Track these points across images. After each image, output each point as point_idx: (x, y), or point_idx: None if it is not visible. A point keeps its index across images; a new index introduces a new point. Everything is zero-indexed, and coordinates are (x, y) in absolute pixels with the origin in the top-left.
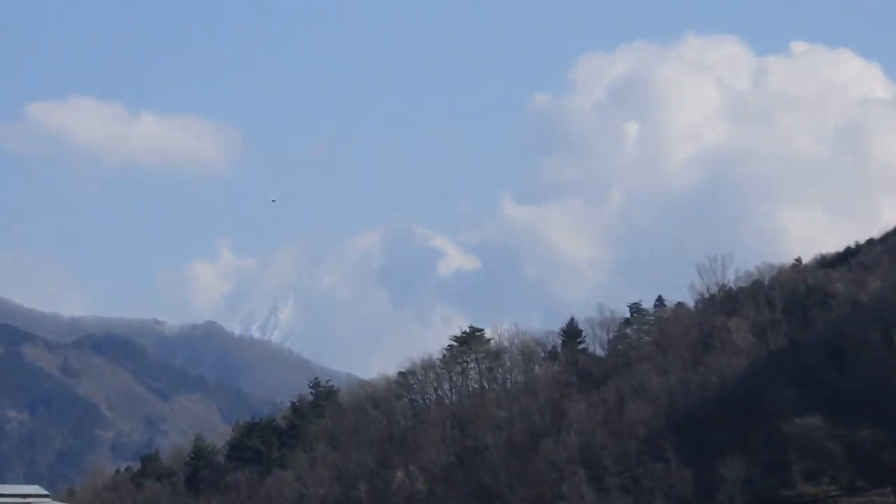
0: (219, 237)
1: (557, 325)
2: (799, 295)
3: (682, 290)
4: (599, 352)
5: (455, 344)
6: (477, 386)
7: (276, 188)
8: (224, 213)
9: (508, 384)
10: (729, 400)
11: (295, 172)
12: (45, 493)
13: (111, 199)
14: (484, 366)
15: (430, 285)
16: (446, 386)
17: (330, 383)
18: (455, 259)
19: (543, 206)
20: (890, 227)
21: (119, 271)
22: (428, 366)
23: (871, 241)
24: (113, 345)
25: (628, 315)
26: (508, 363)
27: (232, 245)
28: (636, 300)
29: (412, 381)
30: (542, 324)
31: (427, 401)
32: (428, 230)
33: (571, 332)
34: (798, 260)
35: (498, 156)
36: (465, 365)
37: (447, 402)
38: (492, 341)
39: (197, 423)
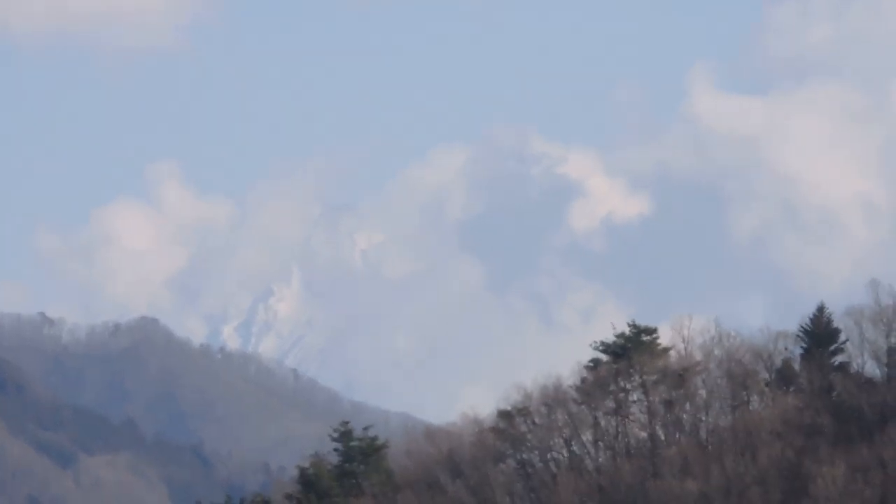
0: (157, 160)
1: (794, 319)
2: None
3: None
4: (873, 370)
5: (603, 357)
6: (645, 435)
7: (265, 72)
8: (171, 116)
9: (703, 432)
10: None
11: (301, 41)
12: None
13: None
14: (658, 398)
15: (557, 247)
16: (587, 436)
17: (371, 430)
18: (604, 198)
19: (772, 94)
20: None
21: None
22: (553, 399)
23: None
24: None
25: None
26: (703, 393)
27: (182, 174)
28: None
29: (524, 428)
30: (766, 317)
31: (552, 463)
32: (555, 145)
33: (821, 334)
34: None
35: (687, 3)
36: (621, 397)
37: (589, 465)
38: (672, 351)
39: None
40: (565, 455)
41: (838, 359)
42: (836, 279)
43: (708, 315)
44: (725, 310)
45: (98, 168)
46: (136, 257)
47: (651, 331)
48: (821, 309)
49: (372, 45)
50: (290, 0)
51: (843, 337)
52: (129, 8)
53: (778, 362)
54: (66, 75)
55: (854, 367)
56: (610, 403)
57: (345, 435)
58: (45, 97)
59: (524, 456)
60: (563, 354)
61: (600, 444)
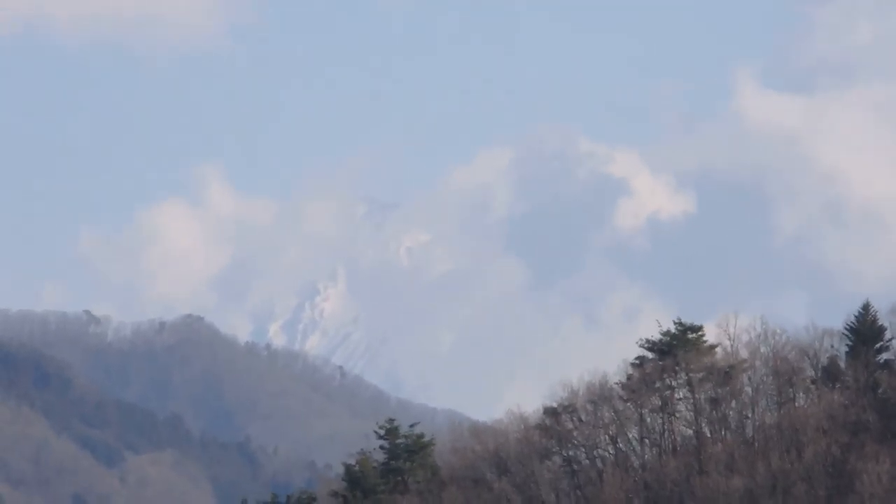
0: (202, 159)
1: (837, 316)
2: None
3: None
4: None
5: (649, 354)
6: (691, 432)
7: (309, 71)
8: (215, 115)
9: (749, 429)
10: None
11: (345, 41)
12: None
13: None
14: (703, 395)
15: (601, 246)
16: (633, 433)
17: (417, 427)
18: (650, 196)
19: (815, 92)
20: None
21: (16, 227)
22: (599, 396)
23: None
24: (8, 363)
25: None
26: (749, 390)
27: (227, 173)
28: None
29: (570, 425)
30: (808, 314)
31: (598, 460)
32: (599, 144)
33: (866, 332)
34: None
35: (730, 2)
36: (667, 394)
37: (635, 462)
38: (717, 348)
39: None
40: (611, 452)
41: (883, 356)
42: (879, 276)
43: (752, 313)
44: (769, 307)
45: (143, 168)
46: (180, 256)
47: (697, 328)
48: (866, 307)
49: (417, 44)
50: (332, 1)
51: (888, 335)
52: (174, 10)
53: (824, 360)
54: (110, 76)
55: None
56: (656, 401)
57: (391, 432)
58: (89, 98)
59: (570, 453)
60: (607, 353)
61: (646, 441)
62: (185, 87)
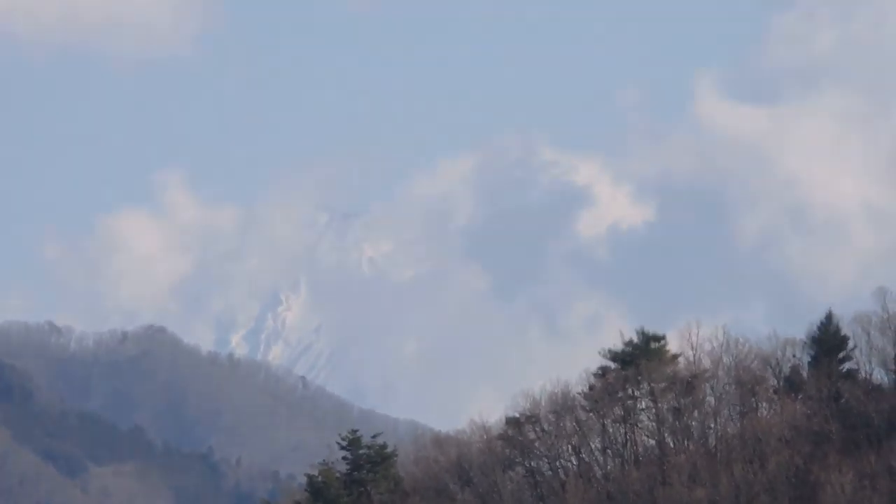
0: (163, 166)
1: (799, 325)
2: None
3: None
4: (881, 377)
5: (611, 364)
6: (653, 442)
7: (271, 79)
8: (177, 122)
9: (712, 439)
10: None
11: (308, 49)
12: None
13: None
14: (666, 405)
15: (562, 255)
16: (596, 443)
17: (379, 438)
18: (610, 205)
19: (777, 100)
20: None
21: None
22: (562, 406)
23: None
24: None
25: None
26: (712, 400)
27: (189, 180)
28: None
29: (532, 435)
30: (771, 323)
31: (561, 471)
32: (561, 152)
33: (829, 342)
34: None
35: (691, 11)
36: (630, 404)
37: (598, 472)
38: (680, 358)
39: None
40: (574, 462)
41: (846, 366)
42: (841, 285)
43: (713, 321)
44: (731, 315)
45: (104, 175)
46: (142, 264)
47: (659, 338)
48: (829, 317)
49: (379, 52)
50: (296, 9)
51: (851, 344)
52: (137, 17)
53: (786, 369)
54: (72, 83)
55: (862, 374)
56: (618, 411)
57: (353, 443)
58: (51, 105)
59: (533, 463)
60: (569, 362)
61: (609, 451)
62: (147, 93)
